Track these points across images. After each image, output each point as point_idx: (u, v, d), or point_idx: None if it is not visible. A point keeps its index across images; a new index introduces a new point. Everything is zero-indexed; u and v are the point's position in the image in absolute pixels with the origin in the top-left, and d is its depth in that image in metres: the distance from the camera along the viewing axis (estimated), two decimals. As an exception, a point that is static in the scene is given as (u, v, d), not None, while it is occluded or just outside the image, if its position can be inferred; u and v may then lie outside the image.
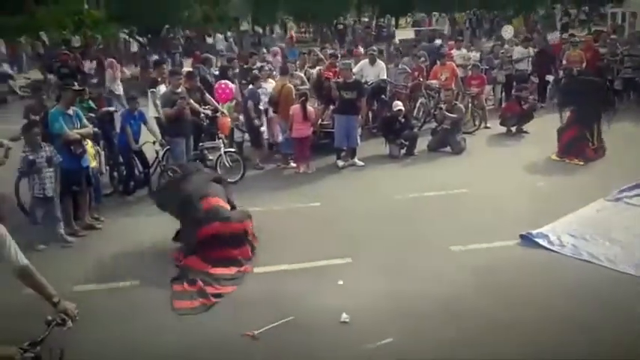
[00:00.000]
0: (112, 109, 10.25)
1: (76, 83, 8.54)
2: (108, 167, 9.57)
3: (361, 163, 10.82)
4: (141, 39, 33.19)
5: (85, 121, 7.97)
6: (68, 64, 17.78)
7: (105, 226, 8.13)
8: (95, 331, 5.11)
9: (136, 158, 9.33)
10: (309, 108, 10.48)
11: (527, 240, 7.05)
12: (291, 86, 11.02)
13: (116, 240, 7.61)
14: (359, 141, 11.04)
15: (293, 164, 10.75)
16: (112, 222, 8.30)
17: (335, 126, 10.94)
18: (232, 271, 6.54)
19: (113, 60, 16.22)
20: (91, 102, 9.59)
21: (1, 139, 7.49)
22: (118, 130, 9.72)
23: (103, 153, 9.41)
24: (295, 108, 10.35)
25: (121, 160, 9.37)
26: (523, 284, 6.05)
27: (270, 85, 11.42)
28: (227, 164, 9.96)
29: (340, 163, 10.75)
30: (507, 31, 20.82)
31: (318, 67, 13.13)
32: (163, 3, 32.00)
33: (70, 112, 7.71)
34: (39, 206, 7.35)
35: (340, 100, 10.76)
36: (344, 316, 5.43)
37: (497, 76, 15.24)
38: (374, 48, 14.71)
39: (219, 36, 32.36)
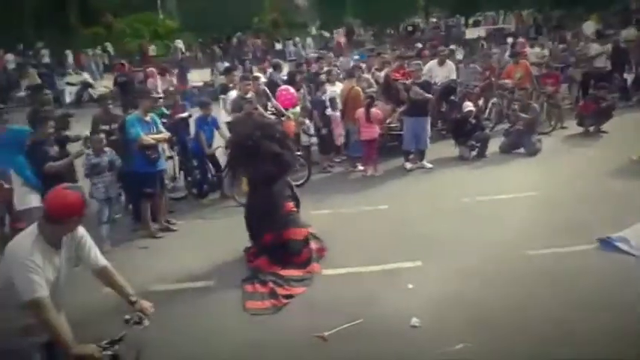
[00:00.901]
0: (185, 115, 10.54)
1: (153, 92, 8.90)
2: (182, 171, 9.89)
3: (429, 166, 10.67)
4: (212, 47, 34.04)
5: (160, 126, 8.27)
6: (126, 74, 18.74)
7: (180, 228, 8.39)
8: (170, 330, 5.28)
9: (208, 162, 9.58)
10: (374, 110, 10.44)
11: (606, 244, 6.73)
12: (359, 89, 11.01)
13: (190, 241, 7.85)
14: (428, 143, 10.90)
15: (360, 167, 10.74)
16: (187, 224, 8.56)
17: (404, 128, 10.84)
18: (301, 272, 6.60)
19: (153, 69, 16.96)
20: (164, 109, 9.92)
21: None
22: (191, 135, 10.02)
23: (177, 158, 9.73)
24: (360, 111, 10.37)
25: (194, 164, 9.64)
26: (602, 290, 5.77)
27: (338, 88, 11.47)
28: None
29: (408, 165, 10.64)
30: (589, 27, 20.00)
31: (386, 69, 13.05)
32: (234, 12, 32.79)
33: (147, 118, 8.02)
34: (103, 207, 7.64)
35: (409, 101, 10.64)
36: (414, 320, 5.36)
37: (573, 74, 14.65)
38: (443, 48, 14.49)
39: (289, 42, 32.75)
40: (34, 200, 6.68)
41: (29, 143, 7.18)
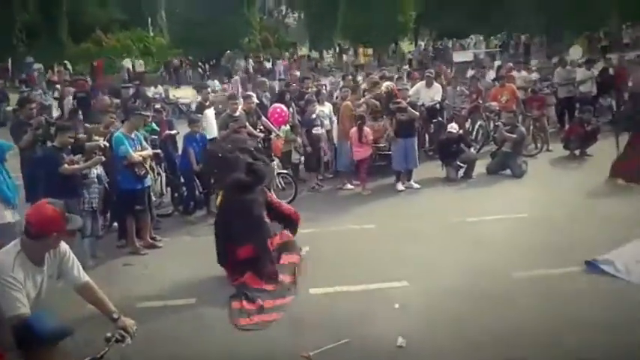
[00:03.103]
0: (174, 132, 10.53)
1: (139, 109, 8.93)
2: (169, 188, 9.85)
3: (417, 186, 10.71)
4: (201, 64, 34.18)
5: (144, 143, 8.27)
6: (85, 90, 18.78)
7: (165, 245, 8.33)
8: (153, 348, 5.21)
9: (196, 179, 9.55)
10: (366, 129, 10.51)
11: (592, 267, 6.76)
12: (349, 104, 11.07)
13: (175, 258, 7.79)
14: (417, 163, 10.94)
15: (349, 185, 10.76)
16: (172, 241, 8.50)
17: (393, 149, 10.89)
18: (289, 279, 6.72)
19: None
20: (154, 125, 9.93)
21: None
22: (179, 152, 9.99)
23: (164, 174, 9.69)
24: (353, 131, 10.43)
25: (182, 181, 9.61)
26: (589, 311, 5.78)
27: (326, 108, 11.53)
28: (280, 186, 10.08)
29: (399, 186, 10.67)
30: (575, 52, 20.27)
31: (388, 82, 13.07)
32: (225, 30, 32.98)
33: (132, 135, 8.01)
34: (87, 219, 7.55)
35: (397, 122, 10.71)
36: (400, 340, 5.33)
37: (547, 98, 14.66)
38: (431, 70, 14.63)
39: (278, 61, 32.95)
40: (8, 216, 6.61)
41: (47, 150, 7.48)
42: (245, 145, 7.62)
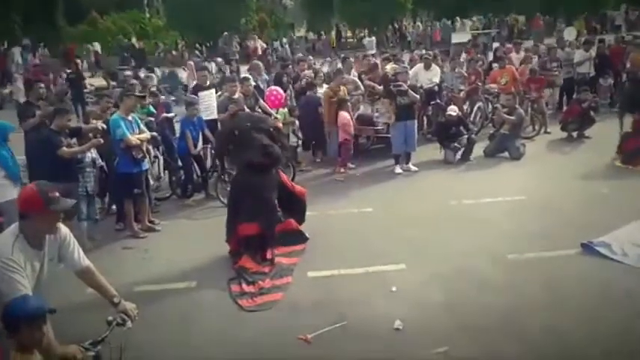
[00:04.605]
0: (170, 115, 10.50)
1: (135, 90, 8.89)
2: (167, 171, 9.85)
3: (415, 169, 10.72)
4: (198, 46, 33.94)
5: (142, 126, 8.24)
6: (78, 71, 18.81)
7: (163, 228, 8.35)
8: (153, 331, 5.26)
9: (194, 163, 9.55)
10: (341, 114, 10.60)
11: (588, 249, 6.81)
12: (328, 91, 11.14)
13: (174, 242, 7.82)
14: (416, 146, 10.94)
15: (342, 169, 10.78)
16: (171, 224, 8.52)
17: (392, 132, 10.88)
18: (286, 261, 6.82)
19: None
20: (151, 107, 9.90)
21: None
22: (177, 135, 9.98)
23: (161, 158, 9.69)
24: (339, 114, 10.61)
25: (180, 164, 9.60)
26: (584, 294, 5.85)
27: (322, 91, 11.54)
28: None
29: (398, 169, 10.67)
30: (570, 33, 20.17)
31: (390, 65, 13.04)
32: (221, 11, 32.69)
33: (130, 118, 7.98)
34: (83, 203, 7.55)
35: (398, 106, 10.69)
36: (397, 323, 5.39)
37: (556, 79, 14.73)
38: (429, 52, 14.57)
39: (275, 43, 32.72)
40: (14, 193, 6.63)
41: (46, 133, 7.46)
42: (262, 124, 7.49)
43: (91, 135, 7.90)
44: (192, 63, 17.08)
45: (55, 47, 31.20)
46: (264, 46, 31.78)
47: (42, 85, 10.30)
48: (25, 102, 10.00)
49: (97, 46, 32.19)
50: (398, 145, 10.74)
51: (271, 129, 7.45)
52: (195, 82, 12.31)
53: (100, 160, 7.90)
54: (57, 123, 7.40)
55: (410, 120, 10.67)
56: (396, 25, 37.27)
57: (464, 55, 17.70)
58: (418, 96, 10.91)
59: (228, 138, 7.49)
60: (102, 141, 7.63)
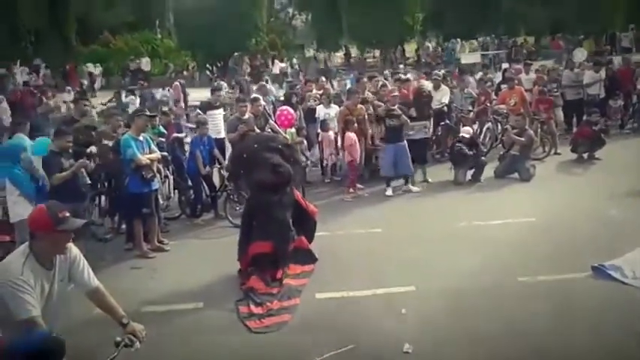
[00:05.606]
0: (181, 135, 10.58)
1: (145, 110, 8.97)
2: (176, 191, 9.89)
3: (416, 189, 10.68)
4: (209, 67, 34.21)
5: (153, 146, 8.29)
6: (82, 90, 18.97)
7: (172, 248, 8.35)
8: (161, 352, 5.23)
9: (203, 182, 9.58)
10: (348, 135, 10.58)
11: (599, 272, 6.73)
12: (344, 109, 11.15)
13: (183, 262, 7.82)
14: (412, 168, 10.82)
15: (351, 190, 10.75)
16: (180, 244, 8.53)
17: (381, 155, 10.86)
18: (295, 283, 6.78)
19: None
20: (161, 128, 9.98)
21: None
22: (187, 154, 10.03)
23: (171, 177, 9.73)
24: (345, 135, 10.65)
25: (189, 184, 9.63)
26: (595, 318, 5.76)
27: (333, 110, 11.57)
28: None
29: (389, 191, 10.58)
30: (579, 54, 20.17)
31: (416, 82, 13.16)
32: (232, 32, 33.01)
33: (141, 138, 8.03)
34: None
35: (387, 128, 10.65)
36: (406, 347, 5.32)
37: (556, 100, 14.54)
38: (438, 73, 14.60)
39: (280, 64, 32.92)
40: (29, 212, 6.67)
41: (47, 153, 7.45)
42: (273, 143, 7.49)
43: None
44: (178, 84, 17.25)
45: (56, 68, 31.48)
46: (283, 66, 31.98)
47: (86, 102, 10.57)
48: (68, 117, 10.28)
49: (92, 67, 32.51)
50: (387, 168, 10.66)
51: (281, 146, 7.46)
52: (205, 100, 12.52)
53: (89, 181, 7.92)
54: (57, 144, 7.42)
55: (399, 142, 10.57)
56: (405, 47, 37.41)
57: (469, 78, 17.72)
58: (408, 119, 10.76)
59: (239, 162, 7.52)
60: (87, 163, 7.64)
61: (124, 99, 16.73)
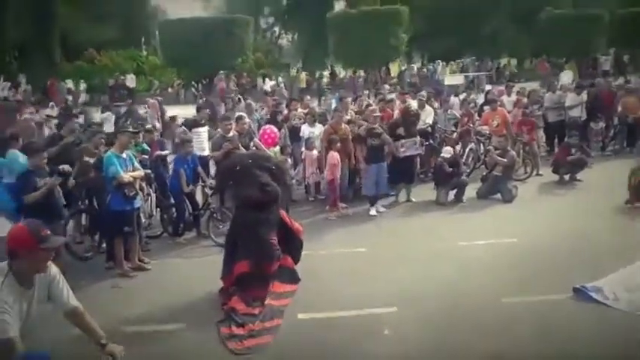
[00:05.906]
0: (164, 152, 10.54)
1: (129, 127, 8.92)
2: (158, 209, 9.81)
3: (383, 209, 10.75)
4: (194, 84, 34.26)
5: (136, 163, 8.24)
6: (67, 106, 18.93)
7: (154, 267, 8.26)
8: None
9: (186, 201, 9.52)
10: (331, 154, 10.59)
11: (580, 293, 6.76)
12: (328, 127, 11.19)
13: (164, 281, 7.73)
14: (387, 187, 10.93)
15: (334, 209, 10.74)
16: (161, 263, 8.43)
17: (364, 175, 10.91)
18: (276, 303, 6.69)
19: None
20: (145, 145, 9.92)
21: None
22: (170, 172, 9.98)
23: (154, 195, 9.66)
24: (328, 154, 10.67)
25: (172, 201, 9.57)
26: (577, 339, 5.78)
27: (317, 129, 11.62)
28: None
29: (373, 211, 10.63)
30: (566, 76, 20.47)
31: (407, 100, 13.33)
32: (218, 50, 33.14)
33: (124, 155, 7.97)
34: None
35: (369, 148, 10.71)
36: (389, 368, 5.30)
37: (537, 121, 14.75)
38: (423, 93, 14.74)
39: (270, 82, 33.13)
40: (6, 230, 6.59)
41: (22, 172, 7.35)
42: (267, 162, 7.51)
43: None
44: (154, 101, 17.28)
45: (37, 84, 31.36)
46: (273, 84, 32.15)
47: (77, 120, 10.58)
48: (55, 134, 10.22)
49: (71, 83, 32.41)
50: (369, 187, 10.71)
51: (274, 167, 7.47)
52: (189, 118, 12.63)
53: (64, 201, 7.83)
54: (31, 162, 7.34)
55: (381, 162, 10.65)
56: (390, 67, 37.73)
57: (453, 99, 17.90)
58: (391, 139, 10.86)
59: (229, 174, 7.50)
60: (59, 181, 7.56)
61: (99, 115, 16.60)
